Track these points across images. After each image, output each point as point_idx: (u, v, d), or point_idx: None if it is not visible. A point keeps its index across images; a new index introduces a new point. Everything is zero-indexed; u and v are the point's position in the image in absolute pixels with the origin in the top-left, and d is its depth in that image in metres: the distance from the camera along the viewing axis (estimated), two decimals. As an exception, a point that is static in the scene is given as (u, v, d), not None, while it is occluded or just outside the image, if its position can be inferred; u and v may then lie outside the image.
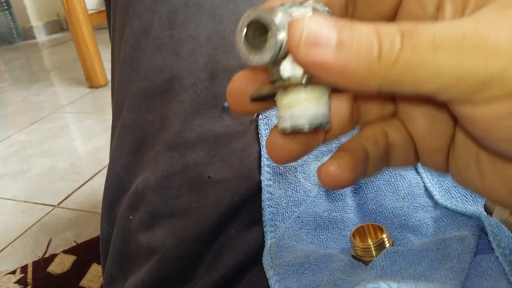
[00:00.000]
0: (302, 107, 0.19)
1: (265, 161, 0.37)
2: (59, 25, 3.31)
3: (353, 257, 0.28)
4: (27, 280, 0.88)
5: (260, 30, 0.19)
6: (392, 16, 0.22)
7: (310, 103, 0.19)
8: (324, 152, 0.38)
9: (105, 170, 0.44)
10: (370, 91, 0.17)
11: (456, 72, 0.16)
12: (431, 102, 0.22)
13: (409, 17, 0.21)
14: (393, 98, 0.23)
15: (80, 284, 0.85)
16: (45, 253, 0.96)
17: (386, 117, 0.23)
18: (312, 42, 0.17)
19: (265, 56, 0.18)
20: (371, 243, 0.27)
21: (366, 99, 0.23)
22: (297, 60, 0.17)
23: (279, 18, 0.18)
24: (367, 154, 0.21)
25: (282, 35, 0.18)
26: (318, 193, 0.34)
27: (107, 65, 1.97)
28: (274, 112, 0.38)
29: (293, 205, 0.34)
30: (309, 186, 0.35)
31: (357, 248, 0.28)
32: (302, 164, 0.36)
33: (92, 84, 1.96)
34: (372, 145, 0.22)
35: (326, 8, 0.19)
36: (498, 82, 0.15)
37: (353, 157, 0.21)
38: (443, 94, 0.16)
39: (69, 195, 1.17)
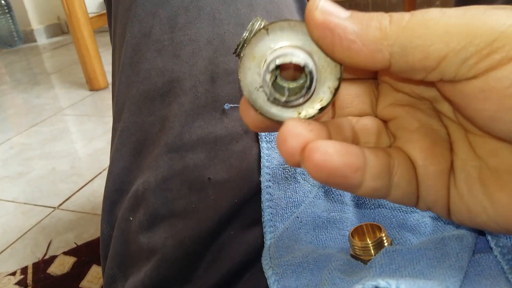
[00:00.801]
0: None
1: (264, 162, 0.37)
2: (60, 28, 3.31)
3: (352, 256, 0.28)
4: (27, 281, 0.88)
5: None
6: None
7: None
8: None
9: (106, 172, 0.44)
10: (379, 59, 0.18)
11: (465, 30, 0.16)
12: (428, 122, 0.22)
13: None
14: (385, 125, 0.23)
15: (80, 286, 0.85)
16: (45, 254, 0.96)
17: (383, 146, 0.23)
18: (326, 11, 0.18)
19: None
20: (370, 243, 0.27)
21: (365, 129, 0.23)
22: (312, 25, 0.18)
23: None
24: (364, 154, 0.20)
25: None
26: (317, 194, 0.34)
27: (108, 68, 1.97)
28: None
29: (292, 206, 0.35)
30: (308, 187, 0.36)
31: (356, 248, 0.28)
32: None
33: (92, 86, 1.96)
34: (371, 153, 0.20)
35: None
36: (507, 41, 0.16)
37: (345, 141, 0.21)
38: (453, 58, 0.16)
39: (70, 197, 1.17)
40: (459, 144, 0.21)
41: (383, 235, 0.28)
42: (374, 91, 0.25)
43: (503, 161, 0.19)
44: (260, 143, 0.38)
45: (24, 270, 0.91)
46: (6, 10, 2.90)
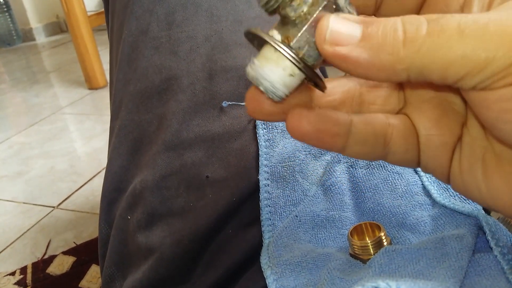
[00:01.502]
0: (270, 68, 0.19)
1: (263, 160, 0.36)
2: (59, 27, 3.31)
3: (351, 255, 0.28)
4: (27, 281, 0.88)
5: None
6: (417, 13, 0.22)
7: (276, 71, 0.19)
8: (323, 152, 0.38)
9: (105, 171, 0.44)
10: (399, 79, 0.17)
11: (483, 55, 0.16)
12: (444, 95, 0.22)
13: (434, 13, 0.21)
14: (401, 88, 0.23)
15: (79, 285, 0.85)
16: (44, 254, 0.96)
17: (390, 111, 0.23)
18: (335, 40, 0.17)
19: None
20: (369, 242, 0.27)
21: (373, 88, 0.23)
22: (324, 55, 0.18)
23: None
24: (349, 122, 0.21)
25: None
26: (316, 192, 0.34)
27: (107, 66, 1.97)
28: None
29: (291, 204, 0.34)
30: (307, 185, 0.35)
31: (355, 247, 0.27)
32: (300, 163, 0.36)
33: (91, 85, 1.96)
34: (360, 121, 0.21)
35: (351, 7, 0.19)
36: None
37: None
38: (470, 79, 0.16)
39: (69, 196, 1.17)
40: (473, 121, 0.21)
41: (382, 234, 0.28)
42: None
43: (508, 150, 0.19)
44: (258, 141, 0.38)
45: (23, 270, 0.91)
46: (5, 9, 2.89)
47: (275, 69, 0.19)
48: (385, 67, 0.17)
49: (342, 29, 0.17)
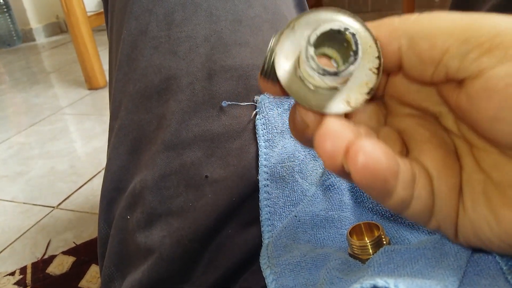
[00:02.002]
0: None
1: (262, 161, 0.36)
2: (59, 27, 3.31)
3: (350, 255, 0.28)
4: (26, 281, 0.88)
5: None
6: None
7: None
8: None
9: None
10: (392, 54, 0.19)
11: (468, 24, 0.17)
12: (440, 133, 0.22)
13: None
14: (404, 142, 0.23)
15: (79, 285, 0.85)
16: (44, 254, 0.96)
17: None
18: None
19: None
20: (368, 242, 0.27)
21: (387, 137, 0.23)
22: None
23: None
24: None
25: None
26: (315, 193, 0.34)
27: (106, 67, 1.97)
28: (272, 112, 0.38)
29: (290, 205, 0.34)
30: (306, 185, 0.35)
31: (354, 247, 0.27)
32: (300, 163, 0.36)
33: (91, 85, 1.96)
34: (400, 160, 0.19)
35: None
36: (506, 38, 0.16)
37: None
38: (455, 50, 0.17)
39: (69, 196, 1.17)
40: (465, 157, 0.21)
41: (381, 234, 0.28)
42: (381, 110, 0.24)
43: (506, 175, 0.19)
44: (258, 141, 0.38)
45: (23, 270, 0.91)
46: (5, 9, 2.89)
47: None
48: (382, 38, 0.19)
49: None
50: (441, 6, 2.74)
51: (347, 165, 0.17)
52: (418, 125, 0.22)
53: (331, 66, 0.20)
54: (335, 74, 0.18)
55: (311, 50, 0.18)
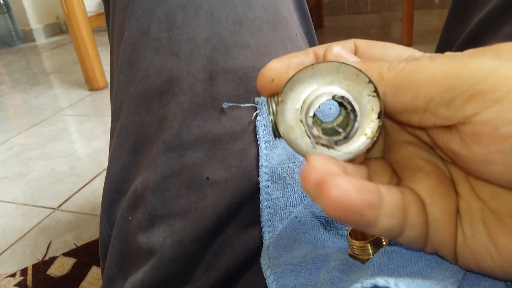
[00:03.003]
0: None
1: (263, 162, 0.37)
2: (59, 28, 3.32)
3: (350, 256, 0.28)
4: (27, 283, 0.88)
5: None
6: None
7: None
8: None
9: (105, 172, 0.44)
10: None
11: (450, 72, 0.17)
12: (434, 161, 0.22)
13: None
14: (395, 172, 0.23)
15: (80, 287, 0.85)
16: (45, 256, 0.96)
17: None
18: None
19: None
20: (368, 242, 0.27)
21: (377, 170, 0.23)
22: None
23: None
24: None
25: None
26: (316, 193, 0.34)
27: (107, 68, 1.97)
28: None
29: (290, 206, 0.34)
30: (307, 186, 0.35)
31: (354, 247, 0.28)
32: (300, 164, 0.36)
33: (91, 86, 1.96)
34: (386, 190, 0.19)
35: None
36: (489, 84, 0.16)
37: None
38: (439, 100, 0.18)
39: (69, 198, 1.17)
40: (462, 185, 0.21)
41: (382, 234, 0.28)
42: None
43: (504, 204, 0.19)
44: (258, 142, 0.38)
45: (23, 272, 0.91)
46: (5, 10, 2.90)
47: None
48: None
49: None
50: (440, 6, 2.74)
51: (318, 199, 0.18)
52: (412, 155, 0.22)
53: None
54: (345, 138, 0.20)
55: (310, 121, 0.20)
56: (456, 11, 0.46)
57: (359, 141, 0.20)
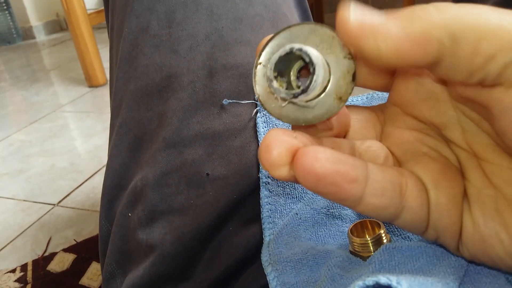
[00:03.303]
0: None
1: (263, 158, 0.37)
2: (59, 25, 3.31)
3: (351, 253, 0.28)
4: (27, 278, 0.88)
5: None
6: None
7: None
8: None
9: (105, 168, 0.44)
10: (430, 53, 0.16)
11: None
12: (439, 146, 0.21)
13: (407, 76, 0.21)
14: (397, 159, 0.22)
15: (80, 283, 0.85)
16: (45, 251, 0.96)
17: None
18: (361, 16, 0.16)
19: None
20: (369, 239, 0.27)
21: (370, 151, 0.22)
22: (351, 34, 0.16)
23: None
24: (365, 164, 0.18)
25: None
26: (316, 190, 0.34)
27: (107, 65, 1.97)
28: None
29: (291, 202, 0.34)
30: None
31: (355, 244, 0.28)
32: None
33: (91, 83, 1.96)
34: (377, 168, 0.18)
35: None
36: None
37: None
38: (502, 57, 0.15)
39: (69, 194, 1.17)
40: (472, 172, 0.20)
41: (382, 231, 0.28)
42: (379, 117, 0.24)
43: None
44: (259, 139, 0.38)
45: (23, 267, 0.91)
46: (5, 7, 2.89)
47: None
48: (418, 33, 0.16)
49: (365, 11, 0.17)
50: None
51: (293, 170, 0.17)
52: (416, 140, 0.21)
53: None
54: (304, 91, 0.19)
55: (271, 73, 0.19)
56: None
57: (331, 102, 0.20)
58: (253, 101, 0.39)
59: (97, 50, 1.92)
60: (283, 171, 0.18)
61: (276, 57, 0.19)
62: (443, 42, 0.16)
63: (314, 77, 0.19)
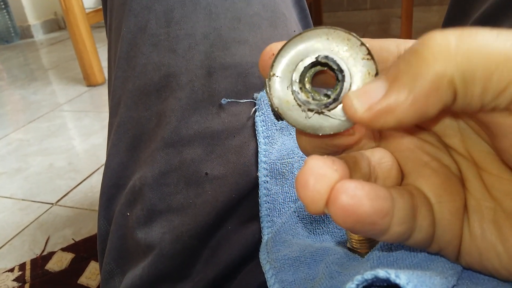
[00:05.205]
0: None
1: (262, 157, 0.37)
2: (57, 24, 3.30)
3: (349, 249, 0.28)
4: (25, 277, 0.88)
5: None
6: None
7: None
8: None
9: (103, 168, 0.44)
10: (443, 103, 0.16)
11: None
12: (439, 155, 0.20)
13: None
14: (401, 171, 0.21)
15: (78, 282, 0.85)
16: (43, 251, 0.96)
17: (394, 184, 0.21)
18: (366, 101, 0.16)
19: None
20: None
21: (381, 164, 0.21)
22: (360, 121, 0.17)
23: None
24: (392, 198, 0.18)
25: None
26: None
27: (105, 64, 1.97)
28: (271, 109, 0.39)
29: (289, 201, 0.35)
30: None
31: (353, 241, 0.28)
32: (299, 160, 0.37)
33: (89, 82, 1.95)
34: (398, 195, 0.18)
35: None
36: None
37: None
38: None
39: (67, 193, 1.17)
40: (473, 182, 0.20)
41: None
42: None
43: None
44: (257, 138, 0.38)
45: (22, 267, 0.91)
46: (3, 6, 2.88)
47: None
48: (427, 90, 0.15)
49: (367, 89, 0.17)
50: (439, 3, 2.74)
51: (328, 208, 0.16)
52: (416, 148, 0.21)
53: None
54: (335, 100, 0.19)
55: (302, 96, 0.19)
56: (456, 8, 0.46)
57: None
58: (252, 100, 0.39)
59: (95, 49, 1.92)
60: (321, 207, 0.17)
61: (301, 68, 0.19)
62: (455, 77, 0.15)
63: (345, 84, 0.19)
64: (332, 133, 0.20)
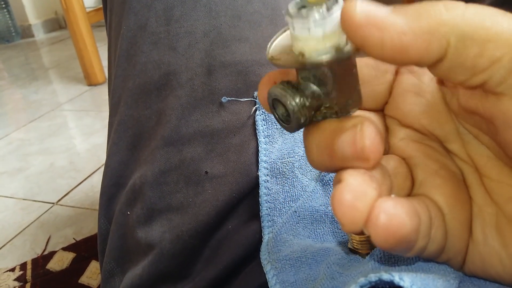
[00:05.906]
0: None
1: (262, 156, 0.36)
2: (58, 23, 3.30)
3: (350, 250, 0.28)
4: (26, 277, 0.88)
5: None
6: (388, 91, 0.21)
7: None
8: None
9: (104, 167, 0.44)
10: (436, 51, 0.16)
11: None
12: (444, 161, 0.20)
13: (405, 88, 0.20)
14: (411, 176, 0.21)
15: (79, 281, 0.85)
16: (44, 250, 0.96)
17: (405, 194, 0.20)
18: (367, 9, 0.16)
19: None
20: (368, 236, 0.27)
21: (397, 173, 0.21)
22: (354, 27, 0.16)
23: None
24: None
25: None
26: (315, 188, 0.34)
27: (105, 63, 1.96)
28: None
29: (290, 200, 0.34)
30: (306, 181, 0.35)
31: (354, 241, 0.27)
32: (299, 159, 0.36)
33: (90, 81, 1.95)
34: (421, 208, 0.18)
35: None
36: None
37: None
38: (507, 62, 0.15)
39: (68, 193, 1.17)
40: (475, 188, 0.20)
41: (382, 228, 0.27)
42: (382, 124, 0.23)
43: None
44: (258, 137, 0.38)
45: (23, 266, 0.91)
46: (3, 5, 2.89)
47: None
48: (425, 31, 0.15)
49: (371, 5, 0.16)
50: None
51: (366, 229, 0.16)
52: (423, 155, 0.20)
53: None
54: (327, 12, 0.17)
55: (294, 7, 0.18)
56: None
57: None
58: (252, 99, 0.39)
59: (96, 49, 1.92)
60: (360, 226, 0.16)
61: None
62: (450, 40, 0.15)
63: None
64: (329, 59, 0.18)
